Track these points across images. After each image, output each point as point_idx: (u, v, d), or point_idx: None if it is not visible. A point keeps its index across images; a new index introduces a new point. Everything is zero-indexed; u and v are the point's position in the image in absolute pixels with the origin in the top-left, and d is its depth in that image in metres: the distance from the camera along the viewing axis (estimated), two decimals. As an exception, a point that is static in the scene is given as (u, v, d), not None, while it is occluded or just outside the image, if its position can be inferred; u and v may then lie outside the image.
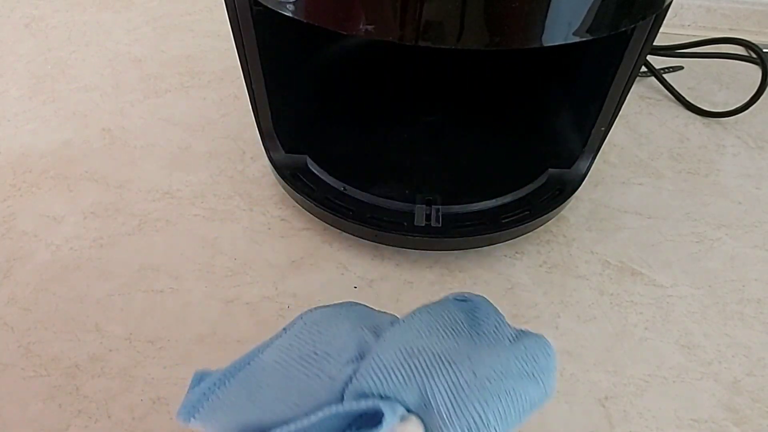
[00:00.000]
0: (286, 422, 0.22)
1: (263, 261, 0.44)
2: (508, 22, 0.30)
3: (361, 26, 0.30)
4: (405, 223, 0.42)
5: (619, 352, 0.39)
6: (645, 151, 0.55)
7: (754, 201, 0.50)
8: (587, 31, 0.30)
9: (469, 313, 0.25)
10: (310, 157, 0.46)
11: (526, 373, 0.23)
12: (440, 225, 0.42)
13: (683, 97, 0.59)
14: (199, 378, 0.24)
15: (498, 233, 0.43)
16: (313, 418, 0.20)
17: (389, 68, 0.56)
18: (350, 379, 0.22)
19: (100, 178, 0.50)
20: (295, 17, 0.32)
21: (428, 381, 0.21)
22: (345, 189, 0.44)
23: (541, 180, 0.45)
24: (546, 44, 0.30)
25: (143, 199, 0.48)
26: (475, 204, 0.44)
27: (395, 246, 0.44)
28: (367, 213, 0.43)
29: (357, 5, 0.30)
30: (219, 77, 0.61)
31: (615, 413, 0.36)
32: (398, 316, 0.27)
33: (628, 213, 0.49)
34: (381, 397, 0.21)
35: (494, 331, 0.24)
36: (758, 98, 0.56)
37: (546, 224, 0.46)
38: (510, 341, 0.24)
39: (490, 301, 0.26)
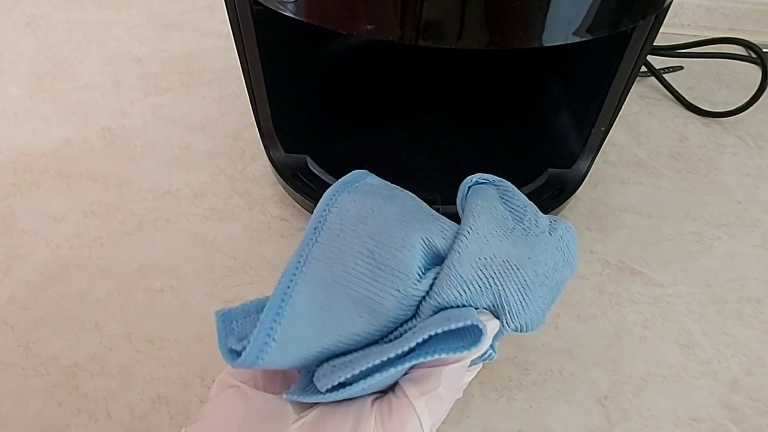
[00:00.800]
0: (366, 341, 0.22)
1: (263, 260, 0.44)
2: (508, 21, 0.30)
3: (361, 26, 0.30)
4: (405, 223, 0.42)
5: (618, 351, 0.39)
6: (645, 151, 0.55)
7: (753, 200, 0.50)
8: (587, 31, 0.31)
9: (507, 203, 0.26)
10: (310, 156, 0.46)
11: (565, 262, 0.26)
12: (440, 224, 0.42)
13: (683, 97, 0.59)
14: (223, 317, 0.23)
15: (498, 233, 0.43)
16: (402, 349, 0.21)
17: (389, 68, 0.56)
18: (427, 293, 0.22)
19: (100, 177, 0.50)
20: (295, 17, 0.32)
21: (502, 287, 0.23)
22: (345, 188, 0.44)
23: (541, 180, 0.45)
24: (546, 44, 0.30)
25: (143, 198, 0.48)
26: (474, 203, 0.44)
27: (395, 245, 0.44)
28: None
29: (357, 5, 0.30)
30: (219, 76, 0.61)
31: (614, 412, 0.36)
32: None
33: (628, 212, 0.49)
34: (458, 306, 0.23)
35: (535, 225, 0.25)
36: (758, 98, 0.56)
37: (546, 224, 0.46)
38: (549, 233, 0.25)
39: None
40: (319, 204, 0.24)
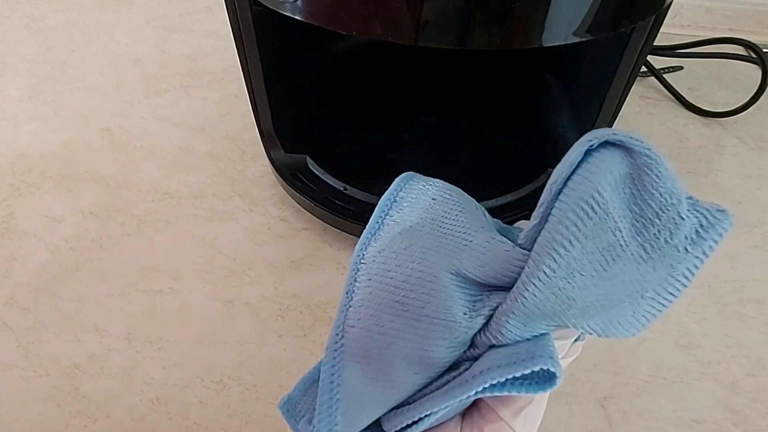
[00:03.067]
0: (425, 385, 0.20)
1: (263, 261, 0.44)
2: (508, 22, 0.30)
3: (360, 26, 0.30)
4: (405, 223, 0.42)
5: (618, 352, 0.39)
6: (645, 152, 0.55)
7: (753, 201, 0.50)
8: (587, 31, 0.30)
9: (636, 195, 0.17)
10: (310, 157, 0.46)
11: (688, 277, 0.18)
12: (440, 225, 0.42)
13: (683, 97, 0.59)
14: (286, 405, 0.21)
15: (498, 233, 0.43)
16: (479, 387, 0.18)
17: (389, 68, 0.56)
18: (483, 325, 0.19)
19: (99, 178, 0.50)
20: (295, 17, 0.32)
21: (579, 325, 0.18)
22: (345, 189, 0.44)
23: (541, 180, 0.45)
24: (546, 44, 0.30)
25: (143, 200, 0.48)
26: (474, 204, 0.44)
27: (395, 246, 0.44)
28: (367, 213, 0.43)
29: (356, 6, 0.30)
30: (219, 77, 0.61)
31: (614, 413, 0.36)
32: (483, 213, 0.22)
33: (628, 213, 0.49)
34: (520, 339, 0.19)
35: (668, 236, 0.17)
36: (758, 98, 0.56)
37: (546, 224, 0.46)
38: (687, 247, 0.17)
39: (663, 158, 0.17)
40: (351, 260, 0.22)
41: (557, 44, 0.31)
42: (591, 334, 0.19)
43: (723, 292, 0.43)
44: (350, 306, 0.21)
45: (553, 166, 0.20)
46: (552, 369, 0.17)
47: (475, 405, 0.20)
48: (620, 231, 0.17)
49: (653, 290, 0.18)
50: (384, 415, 0.20)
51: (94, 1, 0.73)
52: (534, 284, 0.18)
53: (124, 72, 0.61)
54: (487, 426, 0.19)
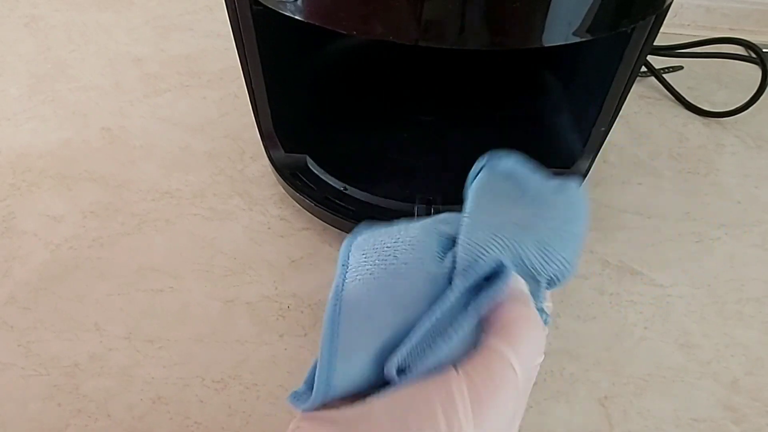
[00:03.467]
0: (407, 330, 0.22)
1: (263, 261, 0.44)
2: (508, 22, 0.30)
3: (360, 26, 0.30)
4: (405, 223, 0.42)
5: (618, 351, 0.39)
6: (644, 151, 0.55)
7: (753, 200, 0.50)
8: (587, 31, 0.31)
9: (510, 179, 0.28)
10: (310, 156, 0.46)
11: (575, 215, 0.27)
12: (440, 225, 0.42)
13: (683, 97, 0.60)
14: (294, 395, 0.23)
15: (498, 233, 0.43)
16: (445, 305, 0.21)
17: (389, 68, 0.56)
18: (453, 266, 0.24)
19: (99, 177, 0.50)
20: (295, 17, 0.32)
21: (519, 245, 0.24)
22: (345, 189, 0.44)
23: (541, 180, 0.45)
24: (546, 44, 0.30)
25: (143, 199, 0.48)
26: (474, 204, 0.44)
27: (395, 246, 0.44)
28: (366, 212, 0.43)
29: (356, 5, 0.30)
30: (219, 77, 0.61)
31: (614, 413, 0.36)
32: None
33: (628, 213, 0.49)
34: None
35: (540, 191, 0.27)
36: (758, 98, 0.56)
37: (545, 224, 0.46)
38: (554, 196, 0.27)
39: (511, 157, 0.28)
40: (342, 247, 0.26)
41: (557, 44, 0.31)
42: (534, 259, 0.24)
43: (722, 291, 0.43)
44: (348, 271, 0.25)
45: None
46: (503, 263, 0.22)
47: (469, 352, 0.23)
48: (509, 191, 0.27)
49: (550, 215, 0.26)
50: (385, 359, 0.23)
51: (94, 0, 0.73)
52: (466, 220, 0.25)
53: (123, 71, 0.61)
54: (479, 355, 0.21)
